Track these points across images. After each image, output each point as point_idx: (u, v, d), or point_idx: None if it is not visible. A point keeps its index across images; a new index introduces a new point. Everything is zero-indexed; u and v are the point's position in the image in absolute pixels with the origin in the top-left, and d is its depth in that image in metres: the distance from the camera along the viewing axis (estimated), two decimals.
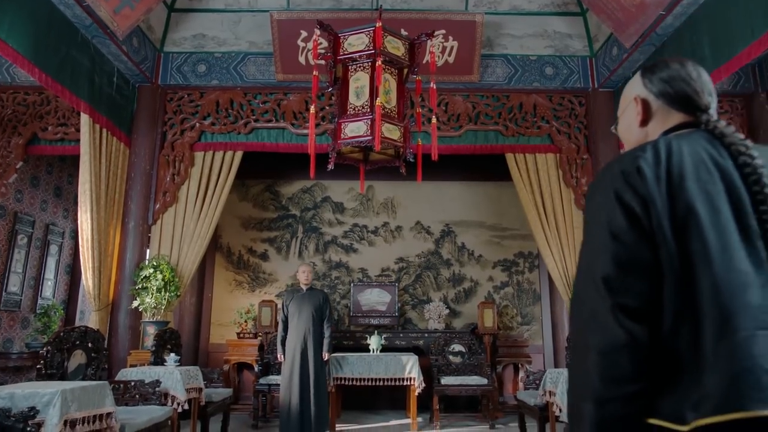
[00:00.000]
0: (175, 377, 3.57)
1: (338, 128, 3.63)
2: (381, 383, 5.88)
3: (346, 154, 4.01)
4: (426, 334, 7.13)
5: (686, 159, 1.00)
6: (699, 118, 1.12)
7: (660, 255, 0.95)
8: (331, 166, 3.94)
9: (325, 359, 5.38)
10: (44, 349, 2.85)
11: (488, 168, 8.09)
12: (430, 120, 6.20)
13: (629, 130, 1.23)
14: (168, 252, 5.88)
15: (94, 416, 2.46)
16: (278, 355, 5.33)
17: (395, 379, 5.88)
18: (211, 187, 6.14)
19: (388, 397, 7.02)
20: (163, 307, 5.35)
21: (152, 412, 3.17)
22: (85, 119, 5.01)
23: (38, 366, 2.76)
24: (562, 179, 6.17)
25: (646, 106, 1.19)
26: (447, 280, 7.87)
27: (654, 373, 0.92)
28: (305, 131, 6.21)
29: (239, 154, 6.26)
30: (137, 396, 3.33)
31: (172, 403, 3.49)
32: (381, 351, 6.32)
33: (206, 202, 6.09)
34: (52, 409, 2.17)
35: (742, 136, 1.06)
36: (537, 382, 4.98)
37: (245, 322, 7.31)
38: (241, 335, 7.22)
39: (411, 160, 3.90)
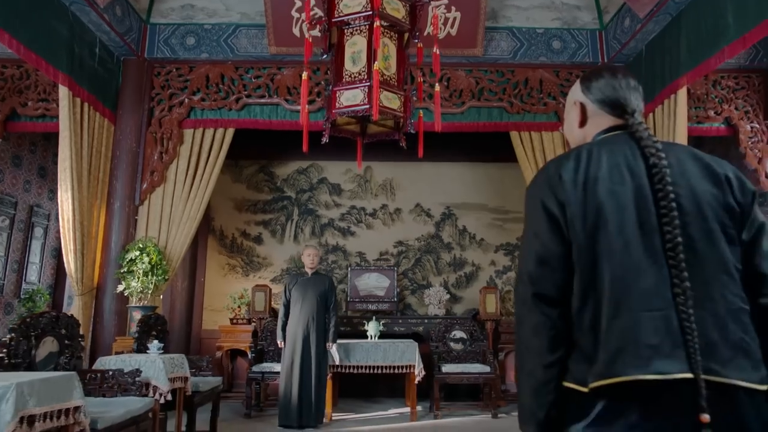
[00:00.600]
0: (157, 366, 3.31)
1: (333, 97, 3.32)
2: (379, 371, 5.64)
3: (341, 126, 3.70)
4: (426, 320, 6.88)
5: (603, 164, 1.17)
6: (627, 121, 1.29)
7: (574, 250, 1.14)
8: (325, 139, 3.64)
9: (331, 349, 5.22)
10: (8, 336, 2.58)
11: (490, 148, 7.79)
12: (431, 96, 5.91)
13: (571, 130, 1.41)
14: (156, 234, 5.60)
15: (59, 411, 2.20)
16: (278, 341, 5.15)
17: (394, 367, 5.64)
18: (201, 166, 5.85)
19: (386, 384, 6.79)
20: (150, 292, 5.08)
21: (130, 404, 2.90)
22: (64, 92, 4.69)
23: (0, 355, 2.49)
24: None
25: (583, 109, 1.36)
26: (447, 264, 7.61)
27: (565, 346, 1.14)
28: (300, 107, 5.89)
29: (230, 132, 5.95)
30: (116, 387, 3.07)
31: (154, 394, 3.23)
32: (379, 338, 6.08)
33: (196, 181, 5.80)
34: (4, 404, 1.91)
35: (655, 139, 1.21)
36: None
37: (238, 307, 7.06)
38: (235, 321, 6.97)
39: (412, 131, 3.57)
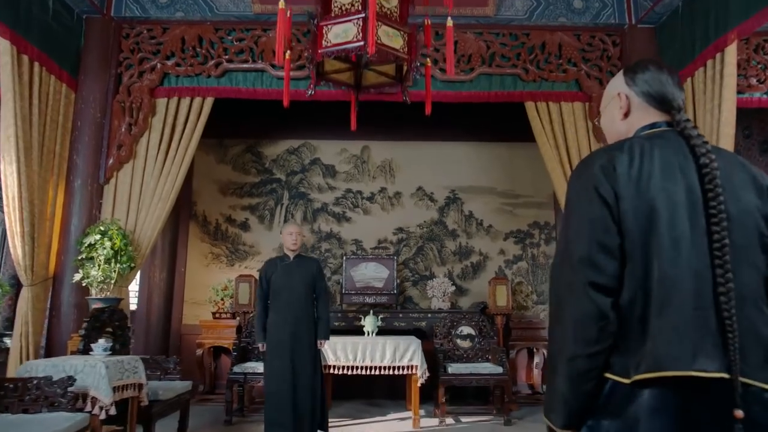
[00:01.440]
0: (98, 372, 2.63)
1: (319, 33, 2.62)
2: (377, 372, 4.98)
3: (330, 76, 2.99)
4: (429, 315, 6.22)
5: (655, 161, 1.20)
6: (674, 117, 1.30)
7: (625, 243, 1.16)
8: (311, 91, 2.94)
9: (321, 346, 4.33)
10: None
11: (500, 126, 7.11)
12: (439, 52, 5.24)
13: (612, 123, 1.41)
14: (123, 216, 4.91)
15: None
16: (258, 344, 4.24)
17: (394, 368, 4.98)
18: (175, 140, 5.15)
19: (385, 385, 6.13)
20: (113, 281, 4.40)
21: (52, 423, 2.24)
22: (5, 46, 4.00)
23: None
24: (592, 132, 5.20)
25: (628, 101, 1.36)
26: (452, 253, 6.94)
27: (613, 337, 1.15)
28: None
29: (209, 102, 5.26)
30: (41, 399, 2.41)
31: (92, 408, 2.56)
32: (377, 334, 5.43)
33: (170, 157, 5.10)
34: None
35: (705, 138, 1.23)
36: None
37: (222, 300, 6.39)
38: (217, 315, 6.30)
39: (418, 76, 2.88)
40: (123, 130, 5.03)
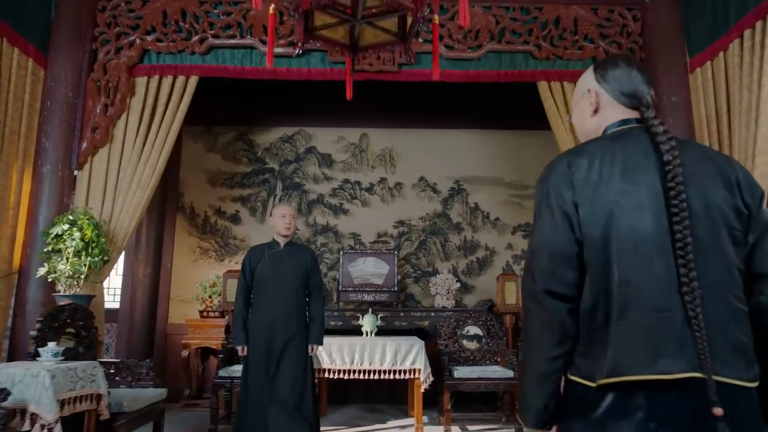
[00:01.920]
0: (40, 383, 2.18)
1: None
2: (376, 376, 4.55)
3: (320, 33, 2.54)
4: (432, 314, 5.78)
5: (616, 163, 1.19)
6: (643, 114, 1.29)
7: (584, 250, 1.17)
8: (298, 51, 2.55)
9: (312, 352, 3.75)
10: None
11: (507, 113, 6.67)
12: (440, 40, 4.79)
13: (583, 118, 1.40)
14: (98, 205, 4.48)
15: None
16: (238, 347, 3.64)
17: (395, 371, 4.54)
18: (156, 122, 4.70)
19: (385, 389, 5.70)
20: (82, 276, 3.97)
21: None
22: None
23: None
24: None
25: (597, 97, 1.35)
26: (457, 247, 6.50)
27: (572, 342, 1.18)
28: (279, 50, 4.76)
29: (193, 81, 4.81)
30: None
31: (32, 426, 2.13)
32: (376, 334, 4.99)
33: (149, 141, 4.66)
34: None
35: (670, 135, 1.21)
36: None
37: (210, 297, 5.96)
38: (205, 314, 5.87)
39: (425, 30, 2.43)
40: (98, 111, 4.59)
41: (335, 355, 4.55)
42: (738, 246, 1.18)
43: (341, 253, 6.18)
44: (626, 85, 1.32)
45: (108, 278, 7.89)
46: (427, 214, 6.56)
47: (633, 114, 1.31)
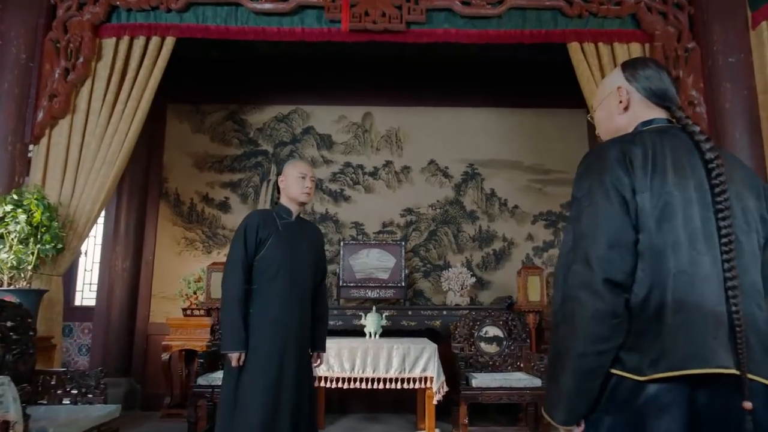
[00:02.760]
0: None
1: None
2: (381, 385, 3.89)
3: None
4: (445, 312, 5.12)
5: (667, 157, 1.19)
6: (675, 114, 1.31)
7: (641, 238, 1.14)
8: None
9: (318, 364, 2.86)
10: None
11: (526, 89, 6.03)
12: None
13: (610, 117, 1.40)
14: (57, 185, 3.84)
15: None
16: (232, 355, 2.48)
17: (403, 380, 3.89)
18: (125, 89, 4.06)
19: (389, 397, 5.02)
20: (30, 267, 3.32)
21: None
22: None
23: None
24: None
25: (629, 95, 1.35)
26: (471, 238, 5.83)
27: (623, 335, 1.13)
28: (268, 5, 4.11)
29: (170, 42, 4.16)
30: None
31: None
32: (381, 335, 4.34)
33: (117, 112, 4.02)
34: None
35: (707, 135, 1.24)
36: None
37: (195, 293, 5.31)
38: (189, 312, 5.23)
39: None
40: (57, 76, 3.94)
41: (333, 361, 3.90)
42: (761, 252, 1.20)
43: (342, 244, 5.52)
44: (657, 85, 1.33)
45: (89, 273, 7.32)
46: (437, 201, 5.89)
47: (663, 114, 1.33)
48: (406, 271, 5.47)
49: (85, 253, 7.51)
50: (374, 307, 4.56)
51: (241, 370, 2.49)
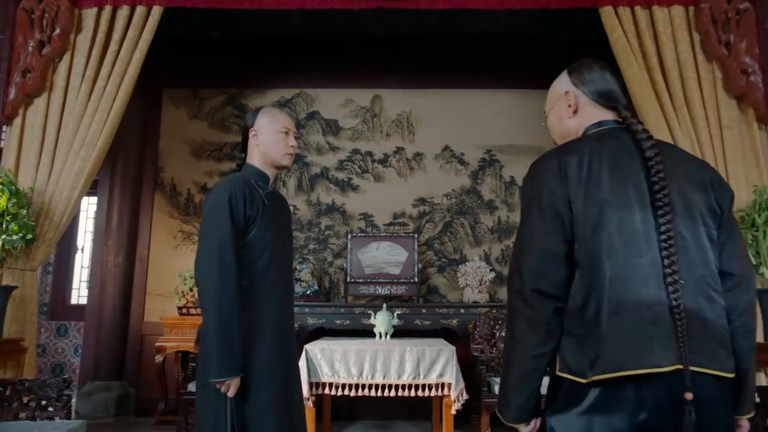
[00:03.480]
0: None
1: None
2: (392, 392, 3.46)
3: None
4: (462, 310, 4.67)
5: (604, 160, 1.22)
6: (621, 114, 1.36)
7: (576, 247, 1.19)
8: None
9: None
10: None
11: (548, 68, 5.49)
12: None
13: (561, 120, 1.43)
14: (32, 170, 3.46)
15: None
16: (230, 383, 1.78)
17: (418, 386, 3.45)
18: (107, 64, 3.67)
19: (402, 401, 4.61)
20: None
21: None
22: None
23: None
24: (701, 47, 3.61)
25: (576, 99, 1.40)
26: (489, 230, 5.38)
27: (556, 340, 1.19)
28: None
29: (157, 12, 3.76)
30: None
31: None
32: (392, 336, 3.92)
33: (98, 88, 3.63)
34: None
35: (650, 134, 1.27)
36: None
37: (191, 290, 4.91)
38: (185, 310, 4.83)
39: None
40: (31, 50, 3.57)
41: (339, 365, 3.48)
42: (713, 244, 1.23)
43: (350, 237, 5.10)
44: (602, 86, 1.37)
45: (86, 269, 6.97)
46: (453, 190, 5.45)
47: (610, 115, 1.37)
48: (420, 266, 5.03)
49: (82, 249, 7.18)
50: (385, 305, 4.14)
51: (238, 399, 1.81)
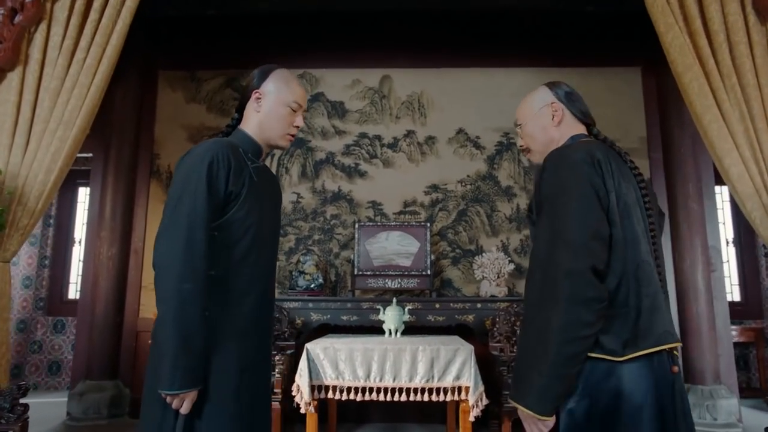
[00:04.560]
0: None
1: None
2: (403, 396, 3.10)
3: None
4: (479, 305, 4.30)
5: (613, 162, 1.35)
6: (591, 131, 1.56)
7: (612, 232, 1.28)
8: None
9: None
10: None
11: (570, 44, 5.19)
12: None
13: (545, 129, 1.55)
14: (5, 152, 3.13)
15: None
16: (185, 396, 1.41)
17: (431, 390, 3.09)
18: (87, 34, 3.32)
19: (414, 403, 4.25)
20: None
21: None
22: None
23: None
24: (752, 7, 3.18)
25: (563, 112, 1.55)
26: (507, 218, 4.99)
27: (603, 320, 1.25)
28: None
29: None
30: None
31: None
32: (403, 333, 3.56)
33: (77, 61, 3.29)
34: None
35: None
36: None
37: None
38: None
39: None
40: (1, 18, 3.22)
41: (344, 366, 3.12)
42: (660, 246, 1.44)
43: (357, 226, 4.75)
44: (581, 105, 1.56)
45: (81, 263, 6.67)
46: (467, 176, 5.06)
47: (585, 130, 1.55)
48: (432, 257, 4.66)
49: (80, 242, 6.89)
50: (395, 300, 3.78)
51: (191, 418, 1.45)
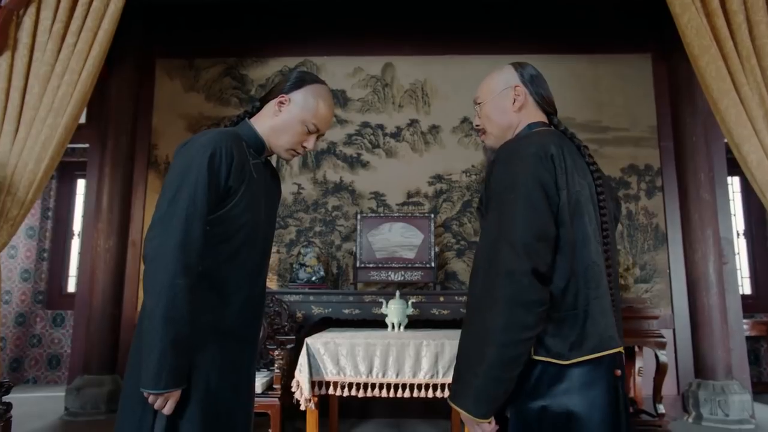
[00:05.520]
0: None
1: None
2: (407, 393, 3.00)
3: None
4: None
5: (567, 156, 1.28)
6: (552, 121, 1.46)
7: (560, 233, 1.23)
8: None
9: None
10: None
11: (578, 30, 5.04)
12: None
13: (504, 111, 1.45)
14: None
15: None
16: (169, 396, 1.31)
17: (436, 386, 2.98)
18: (77, 17, 3.21)
19: (418, 399, 4.15)
20: None
21: None
22: None
23: None
24: None
25: (525, 96, 1.44)
26: None
27: (544, 323, 1.20)
28: None
29: None
30: None
31: None
32: (407, 327, 3.44)
33: (68, 45, 3.17)
34: None
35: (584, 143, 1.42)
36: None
37: None
38: None
39: None
40: None
41: (345, 361, 3.01)
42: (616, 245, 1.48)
43: (359, 218, 4.63)
44: (545, 91, 1.46)
45: (80, 256, 6.57)
46: (472, 166, 4.94)
47: (545, 118, 1.45)
48: (436, 250, 4.55)
49: (78, 234, 6.80)
50: (398, 293, 3.67)
51: (173, 419, 1.35)
